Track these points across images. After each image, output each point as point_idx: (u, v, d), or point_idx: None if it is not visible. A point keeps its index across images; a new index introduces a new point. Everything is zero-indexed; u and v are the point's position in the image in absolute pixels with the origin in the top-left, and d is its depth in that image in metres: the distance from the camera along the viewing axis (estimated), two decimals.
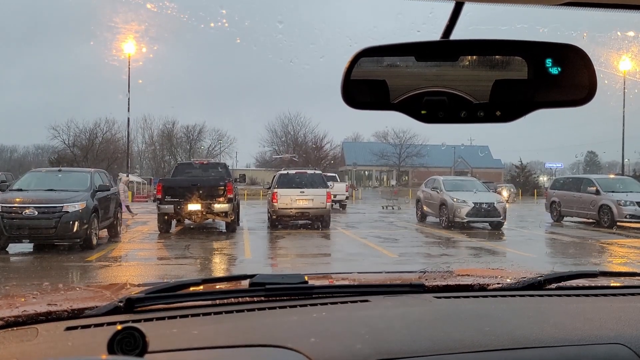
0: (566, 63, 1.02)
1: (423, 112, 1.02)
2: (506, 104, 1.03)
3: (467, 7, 0.96)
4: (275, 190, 16.08)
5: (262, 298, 1.41)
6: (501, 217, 16.16)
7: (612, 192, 17.07)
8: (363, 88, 1.04)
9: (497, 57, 1.05)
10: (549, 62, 1.02)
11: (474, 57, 1.04)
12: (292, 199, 15.85)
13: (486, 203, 16.15)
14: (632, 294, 1.55)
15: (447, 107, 1.02)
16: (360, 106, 1.05)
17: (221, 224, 15.67)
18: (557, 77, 1.02)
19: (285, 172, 17.43)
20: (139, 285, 1.71)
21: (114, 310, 1.31)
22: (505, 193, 33.72)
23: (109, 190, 13.07)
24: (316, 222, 16.26)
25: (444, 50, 1.00)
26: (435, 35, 1.01)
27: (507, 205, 17.42)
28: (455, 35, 1.00)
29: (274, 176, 17.88)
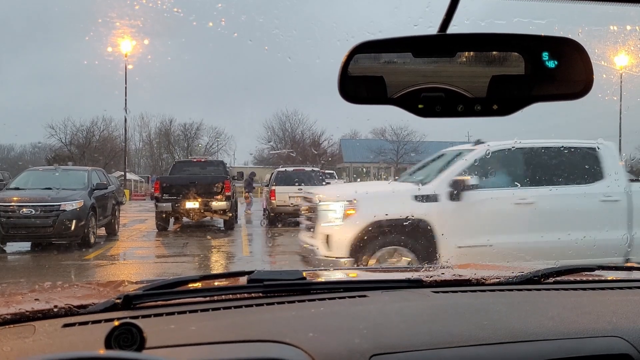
0: (563, 56, 1.02)
1: (420, 106, 1.02)
2: (503, 98, 1.03)
3: (463, 2, 0.96)
4: (273, 187, 16.09)
5: (260, 294, 1.41)
6: None
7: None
8: (360, 83, 1.04)
9: (494, 52, 1.05)
10: (545, 55, 1.02)
11: (471, 52, 1.04)
12: (290, 196, 15.85)
13: None
14: (630, 288, 1.56)
15: (444, 101, 1.02)
16: (358, 101, 1.05)
17: (219, 222, 15.66)
18: (553, 70, 1.02)
19: (283, 169, 17.43)
20: (136, 283, 1.71)
21: (112, 307, 1.30)
22: None
23: (107, 188, 13.06)
24: None
25: (441, 43, 1.00)
26: (432, 29, 1.01)
27: None
28: (452, 29, 1.00)
29: (272, 173, 17.87)
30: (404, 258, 5.89)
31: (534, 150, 6.64)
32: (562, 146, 6.57)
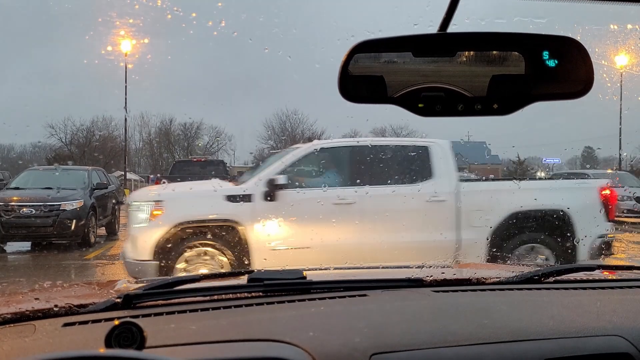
0: (563, 55, 1.02)
1: (420, 105, 1.02)
2: (503, 97, 1.03)
3: (464, 1, 0.96)
4: None
5: (261, 293, 1.41)
6: None
7: None
8: (360, 82, 1.04)
9: (494, 51, 1.05)
10: (545, 54, 1.02)
11: (472, 52, 1.04)
12: None
13: None
14: (630, 287, 1.56)
15: (444, 100, 1.02)
16: (358, 100, 1.05)
17: None
18: (554, 69, 1.02)
19: None
20: (137, 282, 1.71)
21: (112, 307, 1.31)
22: None
23: (107, 188, 13.06)
24: None
25: (441, 42, 1.00)
26: (432, 28, 1.01)
27: None
28: (452, 28, 1.00)
29: None
30: (215, 260, 5.67)
31: (362, 149, 6.38)
32: (393, 145, 6.40)
